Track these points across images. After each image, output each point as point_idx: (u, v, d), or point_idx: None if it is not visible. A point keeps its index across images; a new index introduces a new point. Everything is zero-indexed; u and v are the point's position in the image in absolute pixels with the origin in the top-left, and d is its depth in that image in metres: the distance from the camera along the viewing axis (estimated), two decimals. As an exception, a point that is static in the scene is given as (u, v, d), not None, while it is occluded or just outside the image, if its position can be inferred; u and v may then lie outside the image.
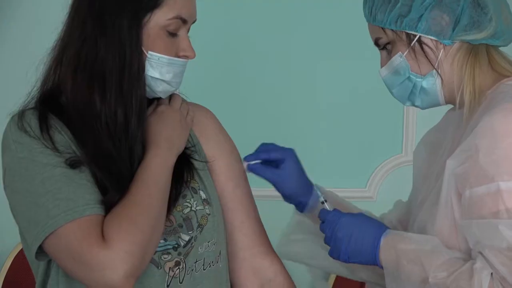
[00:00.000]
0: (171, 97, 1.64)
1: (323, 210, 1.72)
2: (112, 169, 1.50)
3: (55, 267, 1.51)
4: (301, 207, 1.82)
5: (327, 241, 1.67)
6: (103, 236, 1.40)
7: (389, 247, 1.57)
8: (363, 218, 1.65)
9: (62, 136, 1.50)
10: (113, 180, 1.48)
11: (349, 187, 3.18)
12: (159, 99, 1.62)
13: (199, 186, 1.61)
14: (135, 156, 1.53)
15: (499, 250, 1.41)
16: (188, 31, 1.59)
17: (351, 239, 1.61)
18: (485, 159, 1.44)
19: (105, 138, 1.51)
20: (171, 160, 1.54)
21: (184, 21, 1.55)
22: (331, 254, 1.66)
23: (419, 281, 1.51)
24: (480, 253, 1.45)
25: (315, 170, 3.13)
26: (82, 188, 1.44)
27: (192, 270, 1.56)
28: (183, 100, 1.67)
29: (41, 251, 1.45)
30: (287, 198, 1.81)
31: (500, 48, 1.63)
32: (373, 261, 1.60)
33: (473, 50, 1.57)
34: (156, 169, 1.50)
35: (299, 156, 3.18)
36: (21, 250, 2.74)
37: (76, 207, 1.42)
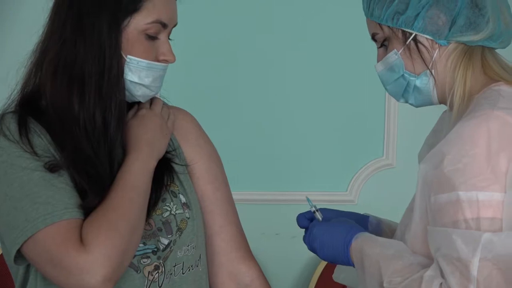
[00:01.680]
0: (152, 101, 1.65)
1: (301, 216, 1.73)
2: (91, 172, 1.50)
3: (33, 271, 1.51)
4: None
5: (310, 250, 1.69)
6: (81, 240, 1.40)
7: (357, 250, 1.58)
8: (334, 224, 1.66)
9: (41, 140, 1.50)
10: (92, 184, 1.49)
11: (331, 190, 3.20)
12: (139, 103, 1.62)
13: (179, 190, 1.62)
14: (114, 159, 1.54)
15: (451, 259, 1.41)
16: (169, 35, 1.59)
17: (324, 247, 1.63)
18: (449, 167, 1.43)
19: (84, 141, 1.51)
20: (152, 164, 1.54)
21: (164, 25, 1.56)
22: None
23: (378, 284, 1.51)
24: (437, 260, 1.44)
25: (297, 173, 3.18)
26: (61, 192, 1.44)
27: (171, 274, 1.56)
28: (164, 104, 1.68)
29: (19, 255, 1.45)
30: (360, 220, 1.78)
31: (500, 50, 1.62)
32: (349, 263, 1.61)
33: (468, 52, 1.55)
34: (137, 173, 1.50)
35: (280, 158, 3.21)
36: (1, 254, 2.73)
37: (55, 211, 1.42)
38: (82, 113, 1.51)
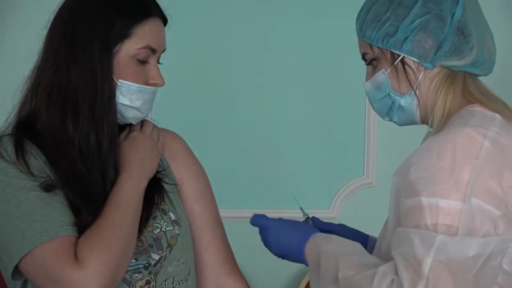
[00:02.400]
0: (142, 123, 1.69)
1: (256, 216, 1.78)
2: (85, 191, 1.54)
3: (30, 286, 1.54)
4: None
5: (264, 244, 1.74)
6: (76, 256, 1.44)
7: (314, 246, 1.63)
8: (292, 223, 1.72)
9: (37, 161, 1.54)
10: (86, 202, 1.52)
11: (313, 208, 3.20)
12: (131, 125, 1.66)
13: (168, 208, 1.66)
14: (107, 179, 1.58)
15: (406, 256, 1.45)
16: (158, 60, 1.63)
17: (279, 242, 1.69)
18: (415, 175, 1.49)
19: (78, 162, 1.55)
20: (143, 183, 1.58)
21: (153, 51, 1.60)
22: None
23: (333, 278, 1.55)
24: (394, 257, 1.48)
25: (282, 192, 3.22)
26: (56, 211, 1.48)
27: (162, 288, 1.61)
28: (154, 126, 1.72)
29: (17, 271, 1.49)
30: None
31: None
32: (301, 259, 1.66)
33: (451, 76, 1.61)
34: (128, 192, 1.54)
35: (266, 178, 3.25)
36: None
37: (51, 228, 1.46)
38: (76, 135, 1.55)
